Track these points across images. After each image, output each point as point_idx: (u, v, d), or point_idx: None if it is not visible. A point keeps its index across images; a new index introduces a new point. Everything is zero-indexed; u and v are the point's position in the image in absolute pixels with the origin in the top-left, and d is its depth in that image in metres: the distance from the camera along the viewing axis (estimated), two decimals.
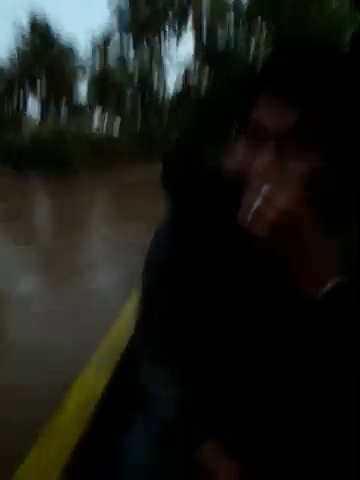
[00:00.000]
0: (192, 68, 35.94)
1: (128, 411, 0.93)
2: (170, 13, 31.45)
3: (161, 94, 36.85)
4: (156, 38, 34.73)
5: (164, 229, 0.78)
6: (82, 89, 49.87)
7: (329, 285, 0.58)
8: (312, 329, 0.60)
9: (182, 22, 31.43)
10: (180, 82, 37.62)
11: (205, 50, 28.73)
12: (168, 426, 0.74)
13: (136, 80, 38.05)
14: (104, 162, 30.36)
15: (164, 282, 0.78)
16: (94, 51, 38.91)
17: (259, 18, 24.41)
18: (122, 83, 38.44)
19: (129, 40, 37.05)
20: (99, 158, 30.41)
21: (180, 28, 31.62)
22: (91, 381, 1.10)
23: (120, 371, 1.14)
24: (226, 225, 0.64)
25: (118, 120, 41.78)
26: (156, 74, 37.94)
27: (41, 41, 39.35)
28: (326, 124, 0.58)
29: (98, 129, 40.50)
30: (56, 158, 28.45)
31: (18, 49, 39.99)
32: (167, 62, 36.53)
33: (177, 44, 33.98)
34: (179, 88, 36.57)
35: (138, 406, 0.87)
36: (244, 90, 0.64)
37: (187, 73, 40.49)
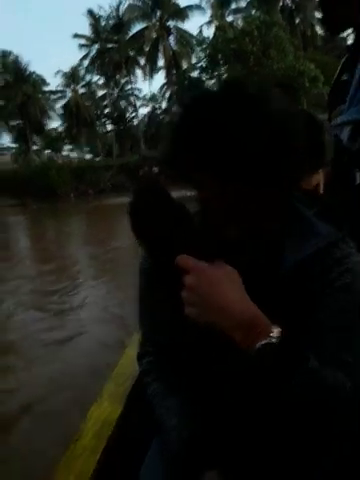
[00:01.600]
0: (161, 104, 40.69)
1: (144, 438, 0.93)
2: (140, 59, 36.03)
3: (134, 128, 40.82)
4: (126, 78, 39.10)
5: (142, 260, 0.84)
6: (53, 123, 53.20)
7: (257, 345, 0.61)
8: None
9: (153, 65, 36.11)
10: (151, 117, 42.07)
11: (175, 90, 33.16)
12: (174, 457, 0.76)
13: (109, 115, 41.91)
14: (86, 188, 33.89)
15: (154, 316, 0.83)
16: (65, 87, 42.42)
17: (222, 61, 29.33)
18: (93, 118, 42.12)
19: (99, 80, 41.13)
20: (81, 185, 33.86)
21: (151, 70, 36.23)
22: (106, 410, 1.11)
23: (134, 399, 1.15)
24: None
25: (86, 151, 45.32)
26: (128, 109, 42.13)
27: (13, 77, 42.26)
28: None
29: (71, 159, 43.83)
30: (42, 186, 31.81)
31: None
32: (136, 100, 40.62)
33: (149, 82, 38.38)
34: (151, 123, 40.93)
35: (153, 433, 0.89)
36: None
37: (154, 109, 45.29)
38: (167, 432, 0.76)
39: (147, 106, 44.24)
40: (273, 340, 0.61)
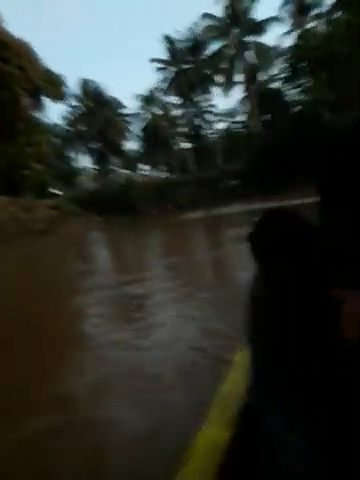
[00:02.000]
0: (237, 118, 40.54)
1: (254, 461, 0.93)
2: (216, 76, 36.33)
3: (211, 144, 41.04)
4: (203, 96, 39.62)
5: (255, 287, 0.84)
6: (130, 144, 55.82)
7: None
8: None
9: (230, 81, 36.37)
10: (227, 132, 42.13)
11: (259, 103, 32.83)
12: (297, 475, 0.76)
13: (185, 133, 42.65)
14: (166, 204, 34.68)
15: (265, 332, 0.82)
16: (142, 110, 44.06)
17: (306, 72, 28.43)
18: (170, 137, 43.17)
19: (175, 100, 42.18)
20: (162, 201, 34.71)
21: (228, 86, 36.37)
22: (213, 433, 1.10)
23: (240, 423, 1.12)
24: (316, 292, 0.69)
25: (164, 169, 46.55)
26: (204, 127, 42.56)
27: (94, 103, 44.88)
28: None
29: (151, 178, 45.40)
30: (127, 202, 33.30)
31: (73, 112, 45.57)
32: (212, 116, 40.91)
33: (225, 97, 38.55)
34: (228, 137, 40.96)
35: (265, 456, 0.88)
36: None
37: (231, 124, 45.38)
38: (290, 449, 0.76)
39: (224, 121, 44.53)
40: None
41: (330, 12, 32.33)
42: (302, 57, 25.02)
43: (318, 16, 33.11)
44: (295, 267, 0.70)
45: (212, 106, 40.44)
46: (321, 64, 23.26)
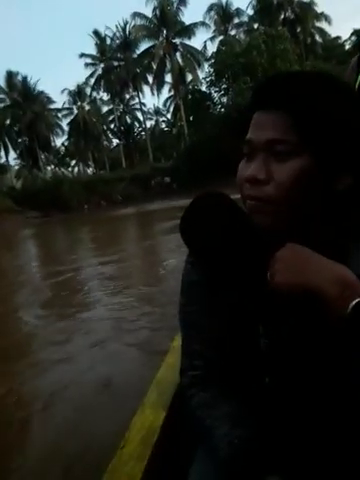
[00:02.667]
0: (165, 116, 42.30)
1: (189, 444, 0.93)
2: (148, 75, 37.84)
3: (142, 141, 42.43)
4: (133, 93, 40.92)
5: (189, 271, 0.84)
6: (60, 140, 54.31)
7: (353, 303, 0.60)
8: (345, 348, 0.64)
9: (160, 81, 37.88)
10: (155, 130, 43.78)
11: (185, 103, 34.89)
12: (227, 464, 0.74)
13: (115, 130, 43.57)
14: (99, 200, 35.40)
15: (200, 320, 0.83)
16: (72, 104, 44.19)
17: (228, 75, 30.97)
18: (100, 133, 43.81)
19: (104, 96, 42.93)
20: (94, 197, 35.40)
21: (159, 86, 37.99)
22: (148, 418, 1.12)
23: (177, 405, 1.12)
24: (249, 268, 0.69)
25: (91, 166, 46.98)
26: (135, 123, 43.89)
27: (20, 97, 44.03)
28: (311, 130, 0.62)
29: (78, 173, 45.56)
30: (55, 199, 33.49)
31: None
32: (143, 114, 42.32)
33: (157, 97, 40.15)
34: (156, 135, 42.64)
35: (199, 439, 0.88)
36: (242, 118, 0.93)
37: (157, 122, 47.09)
38: (217, 440, 0.75)
39: (152, 119, 46.18)
40: None
41: (249, 23, 35.54)
42: (227, 64, 27.41)
43: (239, 25, 36.17)
44: (222, 247, 0.72)
45: (142, 104, 41.85)
46: (244, 70, 25.80)
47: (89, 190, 35.71)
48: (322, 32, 35.58)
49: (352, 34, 37.11)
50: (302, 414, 0.74)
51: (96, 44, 39.91)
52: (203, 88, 32.37)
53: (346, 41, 37.65)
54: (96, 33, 39.72)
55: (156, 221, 16.92)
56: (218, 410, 0.78)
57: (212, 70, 29.65)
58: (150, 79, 37.62)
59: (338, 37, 38.90)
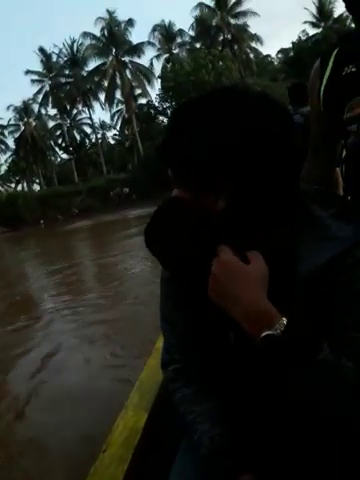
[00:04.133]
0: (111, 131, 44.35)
1: (171, 444, 0.94)
2: (98, 92, 40.07)
3: (95, 154, 44.30)
4: (83, 108, 42.85)
5: (166, 278, 0.88)
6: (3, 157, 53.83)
7: (262, 335, 0.64)
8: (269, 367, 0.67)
9: (111, 97, 39.65)
10: (102, 143, 45.76)
11: (137, 118, 37.50)
12: (207, 461, 0.77)
13: (66, 145, 45.08)
14: (55, 214, 36.44)
15: (173, 321, 0.87)
16: (18, 121, 45.11)
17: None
18: (48, 148, 45.08)
19: (50, 112, 44.34)
20: (50, 211, 36.42)
21: (110, 102, 40.05)
22: (131, 419, 1.13)
23: (159, 406, 1.15)
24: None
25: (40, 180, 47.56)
26: (88, 137, 45.69)
27: None
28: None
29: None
30: (10, 215, 34.06)
31: None
32: (91, 128, 44.30)
33: (109, 112, 42.40)
34: (107, 149, 44.69)
35: (180, 438, 0.91)
36: None
37: (104, 136, 49.12)
38: (198, 437, 0.79)
39: (101, 133, 48.18)
40: (278, 331, 0.64)
41: (191, 42, 39.33)
42: (178, 81, 30.63)
43: (181, 44, 39.84)
44: (180, 253, 0.74)
45: (90, 119, 43.83)
46: (194, 87, 29.15)
47: (44, 205, 36.57)
48: (256, 51, 40.10)
49: (279, 51, 43.01)
50: (267, 412, 0.77)
51: (42, 61, 41.46)
52: (156, 103, 35.31)
53: (273, 59, 43.28)
54: (42, 50, 41.29)
55: (111, 232, 16.98)
56: (200, 406, 0.82)
57: (163, 87, 32.73)
58: (100, 95, 39.99)
59: (268, 55, 44.20)
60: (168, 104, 33.13)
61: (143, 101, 39.63)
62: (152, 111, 35.24)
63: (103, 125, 48.01)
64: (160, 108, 34.03)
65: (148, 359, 1.41)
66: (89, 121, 43.93)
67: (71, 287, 8.08)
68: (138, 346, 3.96)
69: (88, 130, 45.32)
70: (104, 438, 1.09)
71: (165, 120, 34.79)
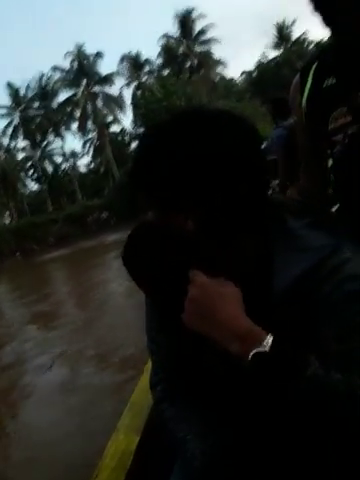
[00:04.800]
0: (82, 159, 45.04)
1: (163, 467, 0.93)
2: (70, 122, 40.89)
3: (68, 183, 44.63)
4: (55, 139, 43.43)
5: (148, 301, 0.89)
6: None
7: (251, 354, 0.64)
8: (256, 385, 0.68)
9: (82, 127, 40.62)
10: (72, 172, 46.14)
11: (111, 145, 38.47)
12: (200, 472, 0.78)
13: (39, 175, 45.25)
14: (31, 245, 36.13)
15: (159, 343, 0.88)
16: None
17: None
18: (17, 180, 45.07)
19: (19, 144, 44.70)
20: (26, 242, 36.10)
21: (81, 130, 40.96)
22: (122, 442, 1.12)
23: (151, 428, 1.14)
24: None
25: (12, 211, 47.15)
26: (55, 168, 46.01)
27: None
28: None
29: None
30: None
31: None
32: (64, 158, 44.82)
33: (82, 141, 43.08)
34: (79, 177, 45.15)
35: (172, 460, 0.90)
36: None
37: (74, 164, 49.60)
38: (190, 452, 0.80)
39: (67, 162, 48.57)
40: (266, 348, 0.64)
41: (159, 70, 41.01)
42: (151, 108, 31.80)
43: (150, 72, 41.45)
44: (155, 275, 0.76)
45: (62, 149, 44.32)
46: (166, 112, 30.32)
47: (20, 236, 36.22)
48: (221, 75, 42.30)
49: (242, 73, 45.41)
50: (257, 423, 0.77)
51: (10, 95, 41.99)
52: (131, 129, 36.38)
53: (236, 81, 45.60)
54: (9, 85, 41.84)
55: (89, 258, 16.91)
56: (188, 422, 0.84)
57: (135, 114, 33.85)
58: (72, 125, 40.84)
59: (232, 78, 46.54)
60: (142, 130, 34.23)
61: (116, 128, 40.70)
62: (126, 138, 36.24)
63: (74, 154, 48.58)
64: (134, 135, 35.06)
65: (140, 379, 1.41)
66: (60, 151, 44.41)
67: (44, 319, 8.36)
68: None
69: (59, 159, 45.73)
70: (96, 462, 1.08)
71: None
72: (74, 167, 49.80)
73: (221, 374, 0.78)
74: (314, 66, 1.13)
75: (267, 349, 0.65)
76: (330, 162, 1.16)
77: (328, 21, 1.05)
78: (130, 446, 1.11)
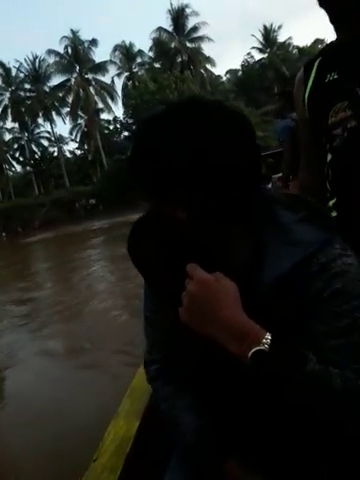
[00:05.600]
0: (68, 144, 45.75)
1: (163, 452, 0.94)
2: (61, 107, 41.68)
3: (56, 167, 45.49)
4: (45, 123, 44.11)
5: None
6: None
7: (250, 353, 0.65)
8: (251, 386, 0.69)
9: (73, 112, 40.98)
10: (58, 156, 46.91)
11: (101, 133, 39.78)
12: (191, 450, 0.80)
13: (27, 158, 45.92)
14: (16, 227, 36.88)
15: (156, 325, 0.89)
16: None
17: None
18: (5, 161, 45.58)
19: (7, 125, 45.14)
20: (11, 223, 36.81)
21: (75, 117, 41.30)
22: (123, 427, 1.13)
23: (150, 413, 1.15)
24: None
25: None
26: (44, 151, 46.77)
27: None
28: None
29: None
30: None
31: None
32: (56, 142, 45.51)
33: (72, 126, 43.95)
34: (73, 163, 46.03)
35: (172, 445, 0.91)
36: None
37: (60, 149, 50.25)
38: (183, 428, 0.82)
39: (57, 147, 49.29)
40: (265, 346, 0.65)
41: (151, 63, 42.44)
42: (145, 100, 33.25)
43: (141, 64, 42.82)
44: (154, 263, 0.77)
45: (52, 133, 45.01)
46: (158, 105, 32.08)
47: (6, 218, 37.00)
48: (210, 72, 43.91)
49: (227, 72, 47.58)
50: (250, 406, 0.78)
51: (0, 75, 42.47)
52: (122, 119, 37.73)
53: (222, 78, 47.64)
54: (1, 64, 42.22)
55: (72, 243, 17.39)
56: (183, 401, 0.86)
57: (126, 104, 35.27)
58: (63, 110, 41.64)
59: (219, 76, 48.47)
60: (132, 120, 35.76)
61: (105, 116, 41.97)
62: (118, 126, 37.64)
63: (61, 139, 49.36)
64: (125, 124, 36.55)
65: (140, 366, 1.36)
66: (48, 135, 45.24)
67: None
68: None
69: (47, 143, 46.53)
70: (96, 446, 1.09)
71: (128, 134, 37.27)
72: (62, 152, 50.71)
73: (213, 361, 0.79)
74: (317, 61, 1.15)
75: (266, 348, 0.66)
76: (329, 157, 1.15)
77: (333, 18, 1.07)
78: (130, 431, 1.14)
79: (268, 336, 0.66)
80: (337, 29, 1.10)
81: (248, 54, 43.33)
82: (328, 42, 1.21)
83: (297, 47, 42.89)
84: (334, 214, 1.16)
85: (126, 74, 41.32)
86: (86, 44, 40.53)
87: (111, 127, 38.99)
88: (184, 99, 0.76)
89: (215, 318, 0.68)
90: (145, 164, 0.71)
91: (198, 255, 0.73)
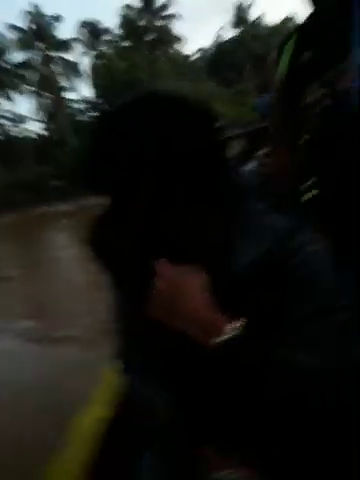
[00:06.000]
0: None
1: (137, 441, 0.93)
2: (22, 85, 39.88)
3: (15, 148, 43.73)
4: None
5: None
6: None
7: (214, 342, 0.66)
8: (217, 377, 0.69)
9: (37, 92, 39.63)
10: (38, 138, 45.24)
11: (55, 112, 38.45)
12: (166, 433, 0.80)
13: None
14: None
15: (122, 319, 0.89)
16: None
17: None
18: None
19: None
20: None
21: (37, 94, 40.06)
22: (95, 414, 1.13)
23: (123, 401, 1.14)
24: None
25: None
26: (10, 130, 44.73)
27: None
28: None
29: None
30: None
31: None
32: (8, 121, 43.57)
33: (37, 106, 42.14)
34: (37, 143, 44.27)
35: (149, 432, 0.89)
36: None
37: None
38: (153, 408, 0.83)
39: (17, 126, 47.33)
40: (227, 337, 0.67)
41: (118, 41, 41.13)
42: (114, 79, 32.40)
43: (108, 42, 41.40)
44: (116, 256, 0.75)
45: (7, 111, 43.03)
46: (130, 86, 31.22)
47: None
48: (179, 52, 43.21)
49: (198, 50, 46.79)
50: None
51: None
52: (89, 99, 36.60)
53: (191, 56, 46.81)
54: None
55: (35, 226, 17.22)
56: (153, 390, 0.86)
57: (97, 83, 34.22)
58: (25, 88, 39.79)
59: (188, 55, 47.64)
60: (102, 100, 34.78)
61: (71, 95, 40.46)
62: (86, 106, 36.50)
63: (25, 118, 47.38)
64: (93, 104, 35.48)
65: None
66: (9, 114, 43.22)
67: None
68: None
69: (8, 123, 44.44)
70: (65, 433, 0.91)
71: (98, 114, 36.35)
72: (25, 132, 48.86)
73: (183, 353, 0.77)
74: (290, 41, 1.15)
75: (229, 338, 0.67)
76: (306, 136, 1.17)
77: None
78: (102, 417, 1.03)
79: (232, 327, 0.68)
80: (313, 8, 1.12)
81: (219, 32, 42.77)
82: (299, 20, 1.25)
83: (268, 25, 42.67)
84: (314, 193, 1.18)
85: (93, 53, 39.80)
86: (49, 19, 38.63)
87: (78, 106, 37.59)
88: (141, 92, 0.79)
89: (182, 312, 0.70)
90: (104, 159, 0.73)
91: (168, 244, 0.73)
